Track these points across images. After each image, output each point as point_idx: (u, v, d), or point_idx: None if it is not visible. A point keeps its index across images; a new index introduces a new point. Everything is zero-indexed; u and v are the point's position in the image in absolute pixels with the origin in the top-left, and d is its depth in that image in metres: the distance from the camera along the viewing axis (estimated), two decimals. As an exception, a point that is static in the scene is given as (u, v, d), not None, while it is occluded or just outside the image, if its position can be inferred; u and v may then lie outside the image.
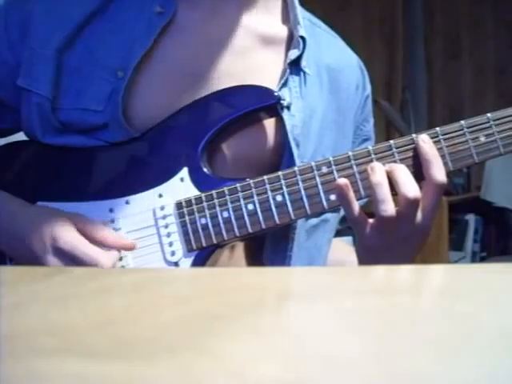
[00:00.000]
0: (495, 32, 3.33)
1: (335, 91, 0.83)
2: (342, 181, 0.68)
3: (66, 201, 0.75)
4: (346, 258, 0.84)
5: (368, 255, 0.72)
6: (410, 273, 0.44)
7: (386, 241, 0.69)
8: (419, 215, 0.68)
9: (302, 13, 0.85)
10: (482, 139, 0.70)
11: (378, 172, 0.68)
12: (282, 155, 0.77)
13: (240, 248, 0.81)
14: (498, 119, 0.71)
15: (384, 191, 0.67)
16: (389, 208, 0.66)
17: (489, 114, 0.71)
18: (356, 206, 0.69)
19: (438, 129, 0.71)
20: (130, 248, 0.73)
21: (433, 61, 3.47)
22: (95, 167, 0.77)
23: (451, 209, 2.64)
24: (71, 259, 0.68)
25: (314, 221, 0.81)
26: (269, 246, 0.78)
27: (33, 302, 0.33)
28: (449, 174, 0.70)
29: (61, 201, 0.75)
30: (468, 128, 0.71)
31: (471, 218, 2.96)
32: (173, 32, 0.77)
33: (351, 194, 0.69)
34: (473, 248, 2.96)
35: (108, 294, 0.36)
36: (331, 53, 0.85)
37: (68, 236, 0.68)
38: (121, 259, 0.73)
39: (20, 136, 0.84)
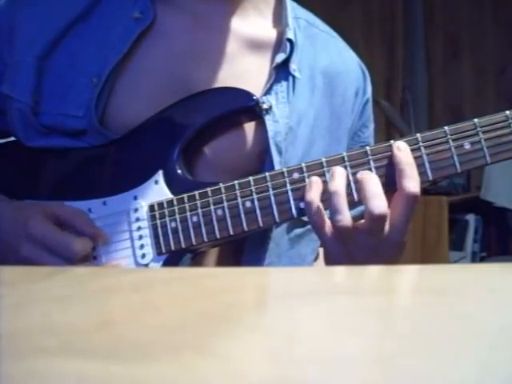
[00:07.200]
0: (495, 32, 3.33)
1: (330, 95, 0.81)
2: (315, 178, 0.66)
3: (51, 200, 0.76)
4: None
5: (334, 265, 0.67)
6: (410, 272, 0.44)
7: (348, 251, 0.65)
8: (387, 228, 0.64)
9: (299, 13, 0.83)
10: (467, 147, 0.65)
11: (336, 179, 0.64)
12: (264, 161, 0.75)
13: (213, 256, 0.79)
14: (485, 125, 0.65)
15: (340, 201, 0.63)
16: (343, 218, 0.62)
17: (476, 120, 0.65)
18: (321, 208, 0.65)
19: (418, 135, 0.66)
20: (102, 237, 0.73)
21: (433, 61, 3.46)
22: (77, 168, 0.78)
23: (451, 209, 2.64)
24: (44, 246, 0.68)
25: (298, 230, 0.79)
26: (245, 256, 0.76)
27: (33, 302, 0.33)
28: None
29: (45, 200, 0.76)
30: (452, 135, 0.65)
31: (471, 217, 2.95)
32: (152, 38, 0.76)
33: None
34: (473, 248, 2.95)
35: (108, 294, 0.36)
36: (328, 55, 0.82)
37: (39, 223, 0.69)
38: (95, 258, 0.73)
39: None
